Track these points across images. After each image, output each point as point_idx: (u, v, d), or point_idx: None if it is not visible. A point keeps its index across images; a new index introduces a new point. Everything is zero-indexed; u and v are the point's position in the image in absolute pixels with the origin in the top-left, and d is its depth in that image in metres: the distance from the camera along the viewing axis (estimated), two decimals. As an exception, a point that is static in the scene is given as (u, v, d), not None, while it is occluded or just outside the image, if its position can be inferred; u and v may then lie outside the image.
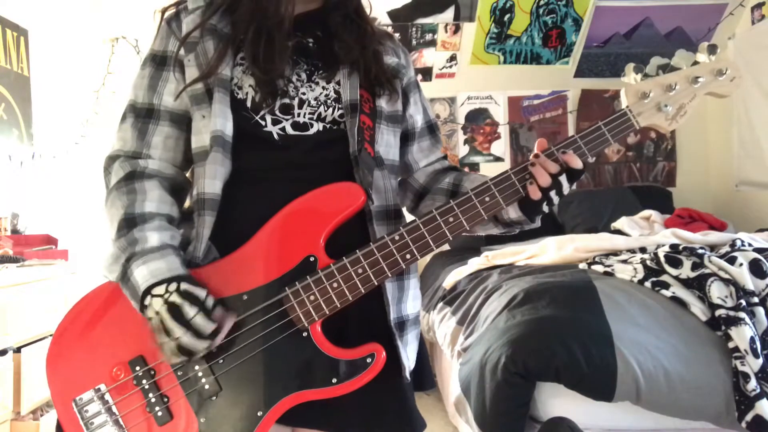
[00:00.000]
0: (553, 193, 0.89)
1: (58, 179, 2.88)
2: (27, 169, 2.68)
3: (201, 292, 0.81)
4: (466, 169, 3.81)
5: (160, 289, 0.80)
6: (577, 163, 0.88)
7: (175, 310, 0.79)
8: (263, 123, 0.91)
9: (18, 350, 1.96)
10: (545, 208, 0.91)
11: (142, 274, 0.81)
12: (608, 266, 2.01)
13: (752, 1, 3.35)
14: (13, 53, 2.62)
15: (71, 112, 3.06)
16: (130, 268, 0.82)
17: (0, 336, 1.91)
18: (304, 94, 0.93)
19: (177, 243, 0.88)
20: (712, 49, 0.95)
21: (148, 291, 0.80)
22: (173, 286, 0.80)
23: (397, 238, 0.87)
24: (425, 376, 1.04)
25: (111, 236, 0.87)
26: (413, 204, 1.10)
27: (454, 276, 2.58)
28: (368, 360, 0.84)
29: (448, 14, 3.51)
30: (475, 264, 2.57)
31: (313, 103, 0.93)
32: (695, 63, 0.96)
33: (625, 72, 0.97)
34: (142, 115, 0.94)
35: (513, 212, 0.94)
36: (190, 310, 0.79)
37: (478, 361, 1.73)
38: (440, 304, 2.49)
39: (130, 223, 0.86)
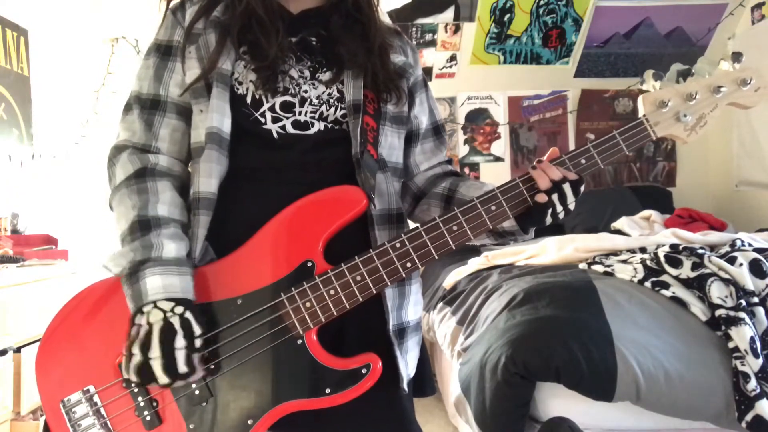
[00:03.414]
0: (556, 198, 0.84)
1: (58, 179, 2.88)
2: (27, 169, 2.68)
3: (198, 330, 0.79)
4: (466, 170, 3.81)
5: (166, 305, 0.78)
6: (570, 176, 0.85)
7: (168, 332, 0.76)
8: (263, 120, 0.89)
9: (18, 350, 1.96)
10: (548, 219, 0.86)
11: (155, 285, 0.79)
12: (608, 266, 2.00)
13: (752, 1, 3.35)
14: (13, 53, 2.62)
15: (71, 112, 3.06)
16: (142, 272, 0.80)
17: (0, 336, 1.91)
18: (306, 92, 0.90)
19: (187, 253, 0.86)
20: (737, 57, 0.91)
21: (153, 302, 0.78)
22: (179, 309, 0.78)
23: (398, 245, 0.84)
24: (426, 381, 1.02)
25: (120, 234, 0.85)
26: (410, 207, 1.07)
27: (454, 276, 2.58)
28: (363, 371, 0.81)
29: (448, 14, 3.51)
30: (475, 264, 2.57)
31: (315, 101, 0.90)
32: (718, 71, 0.91)
33: (644, 79, 0.92)
34: (148, 106, 0.91)
35: (507, 222, 0.90)
36: (180, 341, 0.76)
37: (478, 361, 1.73)
38: (440, 304, 2.49)
39: (144, 225, 0.83)
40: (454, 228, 0.85)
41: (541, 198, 0.84)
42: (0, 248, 2.24)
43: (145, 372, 0.76)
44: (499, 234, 0.94)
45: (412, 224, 0.90)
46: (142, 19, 3.02)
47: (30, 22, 2.74)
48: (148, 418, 0.82)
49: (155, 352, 0.76)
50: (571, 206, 0.86)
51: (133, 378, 0.77)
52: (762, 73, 0.91)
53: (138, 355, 0.76)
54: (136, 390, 0.83)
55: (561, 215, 0.87)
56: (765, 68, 0.92)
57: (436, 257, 0.85)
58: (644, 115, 0.90)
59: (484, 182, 0.97)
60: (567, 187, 0.85)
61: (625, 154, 0.89)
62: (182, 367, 0.76)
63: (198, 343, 0.79)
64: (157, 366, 0.76)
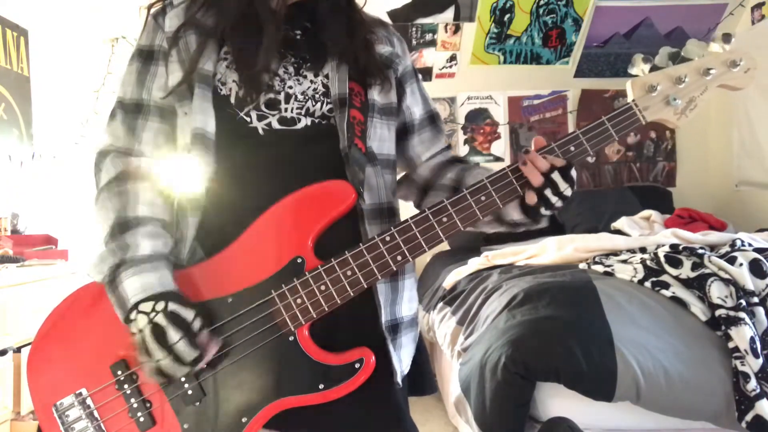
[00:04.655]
0: (549, 193, 0.84)
1: (58, 179, 2.88)
2: (27, 169, 2.68)
3: (188, 314, 0.79)
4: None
5: (146, 306, 0.78)
6: (557, 163, 0.85)
7: (158, 332, 0.76)
8: (248, 119, 0.88)
9: (18, 350, 1.96)
10: (545, 212, 0.86)
11: (133, 287, 0.79)
12: (608, 266, 2.00)
13: (752, 1, 3.35)
14: (13, 53, 2.62)
15: (71, 112, 3.06)
16: (119, 276, 0.80)
17: (0, 336, 1.91)
18: (290, 88, 0.90)
19: (169, 250, 0.86)
20: (727, 38, 0.89)
21: (135, 306, 0.79)
22: (160, 305, 0.78)
23: (387, 238, 0.84)
24: (425, 380, 1.01)
25: (102, 238, 0.86)
26: (417, 200, 1.06)
27: (454, 276, 2.58)
28: (356, 365, 0.81)
29: (448, 14, 3.50)
30: (475, 264, 2.57)
31: (300, 97, 0.90)
32: (708, 53, 0.89)
33: (632, 63, 0.91)
34: (131, 110, 0.92)
35: (515, 214, 0.90)
36: (174, 335, 0.76)
37: (478, 361, 1.73)
38: (440, 304, 2.49)
39: (122, 227, 0.84)
40: (444, 220, 0.85)
41: (531, 198, 0.84)
42: (0, 248, 2.24)
43: (161, 373, 0.78)
44: (511, 224, 0.93)
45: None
46: (142, 20, 3.02)
47: (30, 22, 2.74)
48: (142, 419, 0.82)
49: (158, 354, 0.76)
50: (567, 192, 0.85)
51: (159, 381, 0.79)
52: (752, 54, 0.89)
53: (147, 361, 0.77)
54: (128, 391, 0.83)
55: (558, 204, 0.86)
56: (765, 68, 0.92)
57: (426, 249, 0.85)
58: (633, 100, 0.89)
59: (489, 169, 0.95)
60: (557, 176, 0.84)
61: (614, 140, 0.89)
62: (190, 355, 0.77)
63: (196, 325, 0.79)
64: (167, 364, 0.77)
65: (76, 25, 3.09)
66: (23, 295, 2.01)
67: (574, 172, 0.86)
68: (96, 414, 0.83)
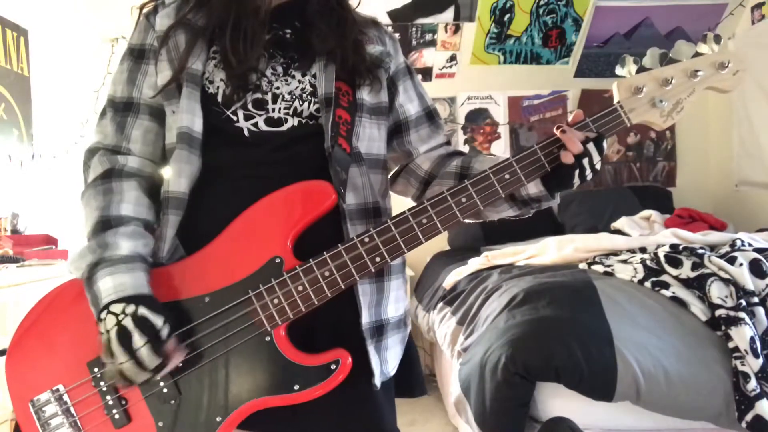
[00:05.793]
0: (585, 162, 0.84)
1: (58, 179, 2.88)
2: (27, 169, 2.68)
3: (158, 320, 0.78)
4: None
5: (117, 308, 0.78)
6: (590, 135, 0.85)
7: (124, 335, 0.76)
8: (235, 118, 0.88)
9: (18, 350, 1.96)
10: (577, 180, 0.86)
11: (107, 287, 0.79)
12: (608, 266, 2.01)
13: (752, 1, 3.35)
14: (13, 53, 2.62)
15: (71, 112, 3.06)
16: (96, 275, 0.80)
17: (0, 336, 1.91)
18: (278, 88, 0.90)
19: (149, 251, 0.86)
20: (717, 39, 0.88)
21: (107, 306, 0.79)
22: (130, 309, 0.77)
23: (366, 239, 0.83)
24: (415, 382, 1.00)
25: (84, 234, 0.86)
26: (419, 192, 1.05)
27: (454, 276, 2.58)
28: (332, 366, 0.81)
29: (448, 14, 3.50)
30: (475, 264, 2.57)
31: (287, 97, 0.90)
32: (696, 55, 0.88)
33: (621, 63, 0.90)
34: (121, 108, 0.92)
35: (533, 187, 0.88)
36: (139, 340, 0.76)
37: (478, 361, 1.73)
38: (440, 304, 2.49)
39: (105, 225, 0.84)
40: (424, 221, 0.84)
41: (568, 158, 0.83)
42: (0, 248, 2.24)
43: (122, 376, 0.77)
44: (524, 201, 0.92)
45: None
46: (134, 19, 3.02)
47: (30, 22, 2.73)
48: (117, 416, 0.83)
49: (120, 357, 0.76)
50: (598, 166, 0.86)
51: (119, 383, 0.79)
52: (740, 56, 0.88)
53: (109, 363, 0.78)
54: (104, 389, 0.83)
55: (589, 176, 0.87)
56: (765, 68, 0.91)
57: (406, 251, 0.84)
58: (618, 102, 0.88)
59: (497, 156, 0.95)
60: (591, 147, 0.84)
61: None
62: (152, 362, 0.77)
63: (164, 332, 0.78)
64: (128, 368, 0.77)
65: (76, 25, 3.09)
66: (23, 295, 2.01)
67: (605, 143, 0.87)
68: (72, 410, 0.84)
